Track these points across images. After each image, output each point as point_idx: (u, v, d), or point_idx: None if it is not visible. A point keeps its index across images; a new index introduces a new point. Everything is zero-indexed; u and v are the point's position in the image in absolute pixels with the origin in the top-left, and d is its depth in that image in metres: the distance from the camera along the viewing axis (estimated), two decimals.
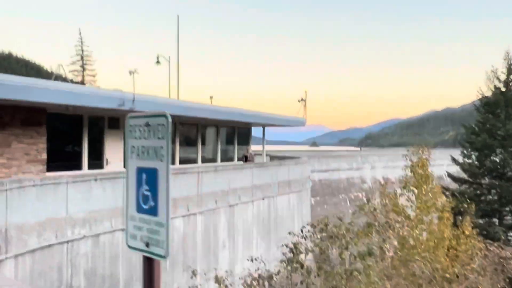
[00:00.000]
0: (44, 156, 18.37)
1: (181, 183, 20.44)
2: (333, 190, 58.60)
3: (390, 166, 76.46)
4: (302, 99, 33.74)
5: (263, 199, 26.95)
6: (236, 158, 31.50)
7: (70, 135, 20.22)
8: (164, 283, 19.42)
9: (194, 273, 15.42)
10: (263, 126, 33.78)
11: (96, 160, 21.14)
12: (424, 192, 24.46)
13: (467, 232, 23.59)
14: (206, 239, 22.13)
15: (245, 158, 30.00)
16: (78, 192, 15.62)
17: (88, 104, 17.22)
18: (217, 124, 29.37)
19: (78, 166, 20.28)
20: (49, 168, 18.56)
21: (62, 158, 19.63)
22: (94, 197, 16.18)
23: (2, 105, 16.50)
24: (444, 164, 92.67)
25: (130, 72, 18.96)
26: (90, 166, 20.62)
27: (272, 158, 37.17)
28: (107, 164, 21.44)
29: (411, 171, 25.36)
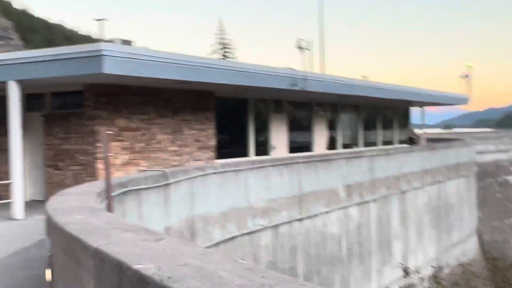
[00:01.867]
0: (213, 142, 17.46)
1: (354, 170, 18.77)
2: (480, 174, 54.45)
3: None
4: (465, 75, 30.76)
5: (433, 184, 24.64)
6: (396, 142, 29.29)
7: (237, 120, 19.23)
8: (341, 275, 17.91)
9: (406, 272, 13.61)
10: (422, 106, 31.24)
11: (262, 146, 20.01)
12: None
13: None
14: (380, 228, 20.34)
15: (411, 140, 27.72)
16: (257, 179, 14.44)
17: (262, 84, 16.00)
18: (377, 106, 27.36)
19: (245, 153, 19.24)
20: (219, 155, 17.63)
21: (229, 144, 18.67)
22: (272, 185, 14.94)
23: (173, 90, 15.69)
24: None
25: (302, 48, 17.47)
26: (257, 153, 19.52)
27: (428, 141, 34.50)
28: (272, 150, 20.25)
29: None
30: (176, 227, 11.39)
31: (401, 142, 29.56)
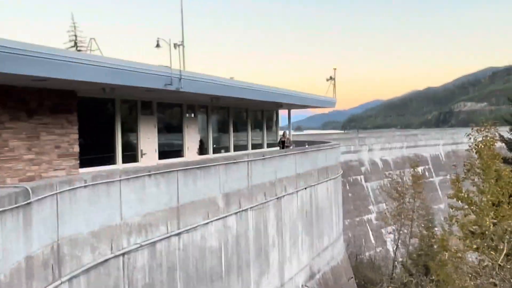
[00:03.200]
0: (76, 148, 15.27)
1: (233, 176, 17.47)
2: None
3: (387, 147, 74.18)
4: (331, 78, 30.81)
5: (305, 188, 24.09)
6: (265, 145, 28.51)
7: (102, 123, 17.11)
8: None
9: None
10: (290, 108, 30.82)
11: (130, 152, 18.08)
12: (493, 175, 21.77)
13: None
14: (258, 237, 19.23)
15: (282, 144, 27.00)
16: (132, 192, 12.61)
17: (134, 83, 14.12)
18: (247, 107, 26.36)
19: (112, 160, 17.20)
20: (82, 163, 15.47)
21: (94, 151, 16.54)
22: (148, 197, 13.17)
23: (27, 89, 13.35)
24: (439, 144, 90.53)
25: (175, 46, 15.81)
26: (125, 159, 17.56)
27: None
28: (142, 156, 18.37)
29: (476, 152, 22.57)
30: (39, 256, 9.30)
31: (269, 145, 28.83)
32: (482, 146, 22.25)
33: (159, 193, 13.60)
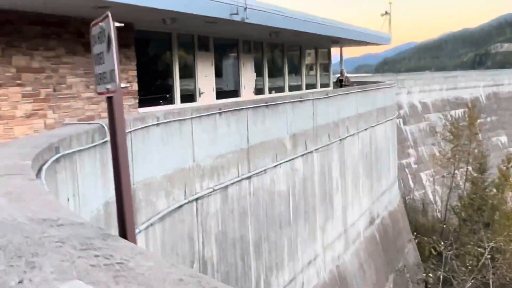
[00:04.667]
0: (135, 86, 14.09)
1: (299, 115, 16.19)
2: None
3: (427, 90, 71.65)
4: (386, 12, 28.92)
5: (365, 129, 22.70)
6: (319, 86, 27.02)
7: (159, 60, 15.88)
8: (288, 238, 15.48)
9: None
10: (343, 46, 29.14)
11: (188, 92, 16.85)
12: None
13: None
14: (323, 181, 18.06)
15: (340, 83, 25.45)
16: (204, 131, 11.43)
17: (199, 12, 12.72)
18: (300, 45, 24.81)
19: (170, 100, 16.02)
20: (141, 103, 14.32)
21: (152, 90, 15.36)
22: (219, 138, 11.98)
23: (84, 20, 12.09)
24: (480, 85, 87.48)
25: None
26: (183, 99, 16.35)
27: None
28: (199, 95, 17.14)
29: None
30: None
31: (323, 86, 27.34)
32: None
33: (230, 133, 12.41)
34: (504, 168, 34.20)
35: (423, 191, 52.53)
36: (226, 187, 12.25)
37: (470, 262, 25.95)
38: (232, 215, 12.53)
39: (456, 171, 37.05)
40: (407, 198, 40.18)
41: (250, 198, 13.37)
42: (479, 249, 26.71)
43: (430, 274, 25.31)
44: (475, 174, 36.87)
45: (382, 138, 25.52)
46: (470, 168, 36.04)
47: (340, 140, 19.63)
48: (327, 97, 18.46)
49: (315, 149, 17.33)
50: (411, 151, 62.79)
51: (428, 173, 47.70)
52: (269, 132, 14.26)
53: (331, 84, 28.23)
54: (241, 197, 12.95)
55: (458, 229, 33.79)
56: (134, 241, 3.01)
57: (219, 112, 12.00)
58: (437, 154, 40.26)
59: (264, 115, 14.04)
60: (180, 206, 10.47)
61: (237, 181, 12.69)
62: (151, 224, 9.45)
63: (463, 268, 25.81)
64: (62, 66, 11.82)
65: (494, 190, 34.29)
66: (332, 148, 18.82)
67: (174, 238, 10.33)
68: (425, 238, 27.59)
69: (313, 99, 17.22)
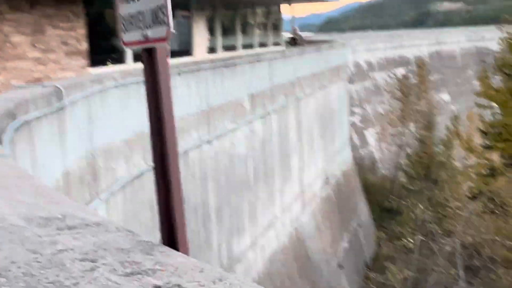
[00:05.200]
0: (85, 46, 13.19)
1: (257, 75, 15.67)
2: None
3: (372, 49, 71.88)
4: None
5: (320, 89, 22.39)
6: (271, 44, 26.41)
7: (110, 16, 14.91)
8: (249, 202, 15.14)
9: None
10: (290, 3, 28.45)
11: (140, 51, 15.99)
12: None
13: None
14: (281, 143, 17.72)
15: (294, 41, 24.87)
16: None
17: None
18: (253, 2, 24.07)
19: (121, 59, 15.15)
20: (91, 64, 13.44)
21: (102, 47, 14.47)
22: (179, 99, 11.37)
23: None
24: (423, 44, 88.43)
25: None
26: (136, 58, 15.49)
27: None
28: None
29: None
30: (76, 170, 7.60)
31: (275, 44, 26.76)
32: None
33: (190, 94, 11.82)
34: (453, 126, 34.67)
35: (370, 149, 53.09)
36: (187, 151, 11.72)
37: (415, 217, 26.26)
38: (193, 179, 12.04)
39: (405, 129, 37.45)
40: (355, 156, 40.45)
41: (211, 162, 12.89)
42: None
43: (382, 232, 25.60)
44: (423, 132, 37.34)
45: (335, 98, 25.31)
46: (418, 126, 36.47)
47: (297, 100, 19.26)
48: (284, 57, 17.97)
49: (273, 110, 16.91)
50: (356, 109, 63.17)
51: (374, 131, 48.10)
52: (228, 94, 13.73)
53: (282, 42, 27.66)
54: (202, 160, 12.45)
55: (407, 186, 34.26)
56: (186, 250, 2.23)
57: (178, 73, 11.37)
58: (382, 113, 40.53)
59: (223, 76, 13.47)
60: (141, 174, 9.91)
61: (198, 145, 12.17)
62: (112, 193, 8.86)
63: (410, 223, 26.14)
64: (6, 23, 10.87)
65: (442, 147, 34.85)
66: (289, 109, 18.44)
67: (135, 206, 9.79)
68: (376, 196, 27.81)
69: (270, 59, 16.71)
